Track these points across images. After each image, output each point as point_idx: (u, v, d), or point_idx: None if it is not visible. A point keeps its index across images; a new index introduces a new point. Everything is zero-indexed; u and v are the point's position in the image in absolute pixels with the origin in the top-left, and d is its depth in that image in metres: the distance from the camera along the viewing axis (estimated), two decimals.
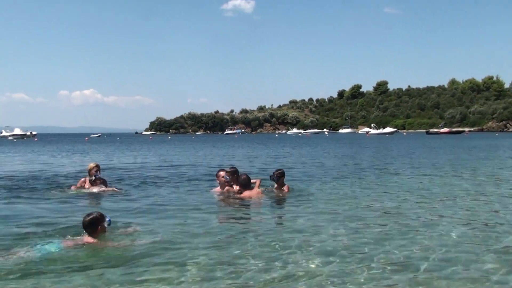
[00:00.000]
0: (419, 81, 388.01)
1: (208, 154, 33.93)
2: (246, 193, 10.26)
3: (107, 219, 6.42)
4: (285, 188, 11.06)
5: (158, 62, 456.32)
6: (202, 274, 5.14)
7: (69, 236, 6.46)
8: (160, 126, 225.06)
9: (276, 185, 11.15)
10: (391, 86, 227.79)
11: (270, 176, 11.18)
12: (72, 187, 11.74)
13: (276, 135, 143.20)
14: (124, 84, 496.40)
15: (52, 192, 11.63)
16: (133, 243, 6.31)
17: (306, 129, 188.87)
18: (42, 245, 5.96)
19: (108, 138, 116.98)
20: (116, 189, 11.82)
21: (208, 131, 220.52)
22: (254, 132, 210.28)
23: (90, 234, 6.23)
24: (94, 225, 6.26)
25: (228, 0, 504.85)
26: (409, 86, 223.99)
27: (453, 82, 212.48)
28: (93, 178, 11.54)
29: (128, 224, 7.47)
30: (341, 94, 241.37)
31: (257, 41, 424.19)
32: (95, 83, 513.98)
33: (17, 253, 5.69)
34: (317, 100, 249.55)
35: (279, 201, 10.38)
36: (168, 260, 5.65)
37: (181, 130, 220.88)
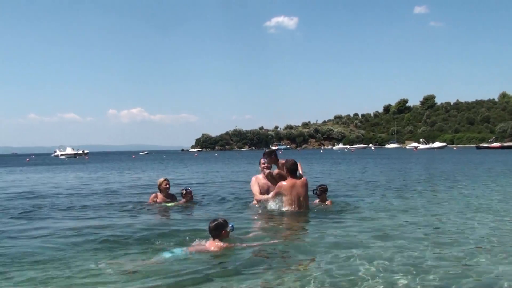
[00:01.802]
0: (468, 95, 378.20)
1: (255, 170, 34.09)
2: (289, 182, 9.55)
3: (230, 225, 6.80)
4: (328, 202, 11.10)
5: (203, 80, 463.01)
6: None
7: (192, 243, 6.86)
8: (206, 143, 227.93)
9: (318, 200, 11.20)
10: (439, 100, 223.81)
11: (313, 191, 11.20)
12: (149, 200, 11.99)
13: (321, 151, 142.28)
14: (170, 102, 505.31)
15: (135, 207, 11.82)
16: (251, 246, 6.75)
17: (352, 144, 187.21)
18: (170, 251, 6.40)
19: (156, 155, 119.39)
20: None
21: (253, 148, 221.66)
22: (299, 148, 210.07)
23: (214, 238, 6.61)
24: (219, 229, 6.63)
25: (271, 17, 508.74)
26: (457, 100, 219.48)
27: (503, 95, 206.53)
28: (167, 191, 11.88)
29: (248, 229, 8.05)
30: (387, 109, 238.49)
31: (300, 57, 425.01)
32: (142, 102, 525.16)
33: (149, 260, 6.13)
34: (363, 115, 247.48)
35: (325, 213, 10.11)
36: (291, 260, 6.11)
37: (227, 146, 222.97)
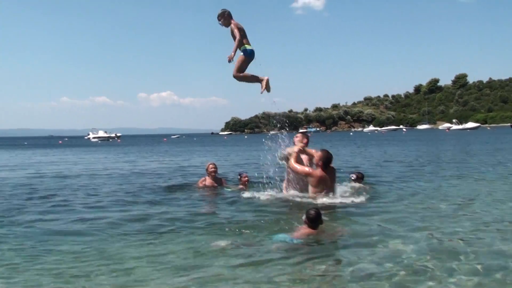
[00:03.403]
0: (501, 73, 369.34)
1: None
2: (319, 174, 9.43)
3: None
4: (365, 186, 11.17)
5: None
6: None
7: (293, 228, 7.02)
8: (235, 126, 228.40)
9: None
10: (471, 79, 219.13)
11: (350, 176, 11.43)
12: (199, 184, 12.12)
13: (351, 133, 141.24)
14: (200, 86, 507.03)
15: (187, 191, 11.82)
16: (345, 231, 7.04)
17: (383, 126, 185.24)
18: (274, 236, 6.60)
19: (188, 139, 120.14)
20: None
21: (282, 130, 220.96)
22: (328, 131, 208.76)
23: (313, 227, 6.71)
24: (320, 219, 6.74)
25: None
26: (490, 78, 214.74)
27: None
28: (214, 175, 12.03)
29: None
30: (417, 89, 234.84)
31: (328, 38, 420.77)
32: (172, 85, 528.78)
33: (251, 244, 6.38)
34: (393, 96, 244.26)
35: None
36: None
37: (256, 129, 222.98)
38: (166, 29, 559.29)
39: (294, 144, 10.29)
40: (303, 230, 6.68)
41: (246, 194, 10.44)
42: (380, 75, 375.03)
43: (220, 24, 9.80)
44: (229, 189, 11.61)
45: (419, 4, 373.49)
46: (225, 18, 9.73)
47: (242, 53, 9.60)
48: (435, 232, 6.78)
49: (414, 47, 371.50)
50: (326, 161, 9.43)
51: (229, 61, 9.38)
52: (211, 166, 12.19)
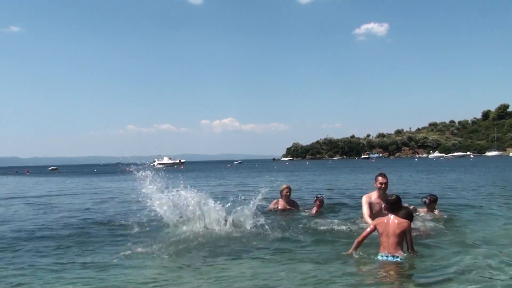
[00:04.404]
0: None
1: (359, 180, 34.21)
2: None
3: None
4: (436, 212, 10.88)
5: (293, 88, 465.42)
6: None
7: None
8: (297, 152, 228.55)
9: (426, 210, 10.91)
10: None
11: (422, 199, 11.08)
12: (266, 210, 12.04)
13: (416, 159, 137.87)
14: (261, 112, 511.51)
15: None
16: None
17: (449, 153, 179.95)
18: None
19: (249, 164, 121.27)
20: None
21: (344, 156, 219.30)
22: (392, 157, 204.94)
23: (395, 212, 7.01)
24: (399, 203, 7.13)
25: (360, 24, 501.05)
26: None
27: None
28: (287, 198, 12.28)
29: None
30: (486, 114, 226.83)
31: (392, 63, 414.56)
32: (234, 111, 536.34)
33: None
34: (459, 122, 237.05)
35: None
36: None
37: (317, 155, 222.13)
38: (226, 57, 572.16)
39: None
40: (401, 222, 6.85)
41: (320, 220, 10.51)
42: (446, 101, 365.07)
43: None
44: (305, 213, 11.69)
45: (486, 29, 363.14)
46: None
47: None
48: None
49: (482, 71, 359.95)
50: (389, 201, 7.34)
51: None
52: (286, 189, 12.29)
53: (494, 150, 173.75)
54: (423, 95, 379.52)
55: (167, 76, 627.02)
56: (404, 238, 6.79)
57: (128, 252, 7.74)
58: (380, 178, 9.62)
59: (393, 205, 7.01)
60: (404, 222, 6.77)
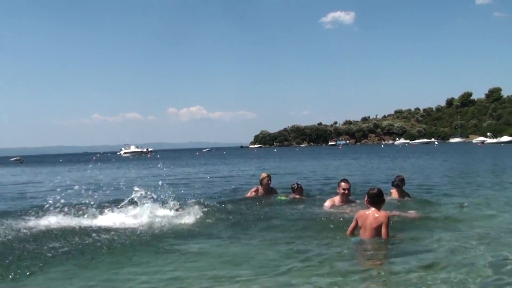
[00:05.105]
0: None
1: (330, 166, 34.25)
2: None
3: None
4: (407, 198, 11.00)
5: (260, 77, 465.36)
6: None
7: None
8: (264, 139, 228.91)
9: (394, 191, 11.06)
10: (505, 93, 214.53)
11: (392, 182, 11.21)
12: (246, 195, 12.33)
13: (382, 146, 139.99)
14: (228, 100, 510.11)
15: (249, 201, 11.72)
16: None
17: (414, 139, 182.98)
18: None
19: (217, 152, 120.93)
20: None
21: (312, 143, 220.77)
22: (358, 143, 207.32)
23: (375, 206, 6.98)
24: (380, 196, 7.04)
25: (327, 13, 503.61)
26: None
27: None
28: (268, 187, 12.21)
29: None
30: (450, 102, 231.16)
31: (358, 52, 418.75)
32: (201, 100, 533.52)
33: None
34: (424, 110, 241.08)
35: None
36: None
37: (285, 143, 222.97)
38: (192, 44, 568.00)
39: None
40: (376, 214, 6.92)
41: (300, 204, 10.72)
42: (411, 89, 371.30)
43: None
44: (283, 198, 11.62)
45: (452, 18, 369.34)
46: None
47: None
48: None
49: (446, 61, 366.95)
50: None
51: None
52: (266, 177, 12.25)
53: (458, 137, 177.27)
54: (389, 83, 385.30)
55: (132, 64, 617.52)
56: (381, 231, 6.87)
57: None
58: (343, 184, 9.92)
59: (374, 198, 6.98)
60: (382, 216, 6.87)
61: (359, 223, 7.03)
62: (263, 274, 5.66)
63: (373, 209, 6.95)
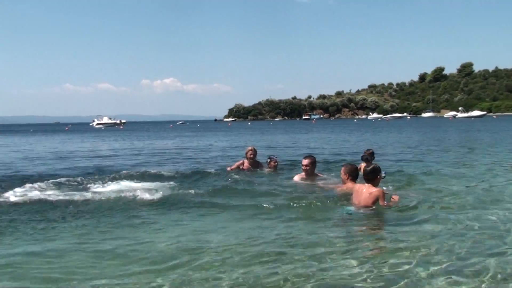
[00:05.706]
0: (507, 62, 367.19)
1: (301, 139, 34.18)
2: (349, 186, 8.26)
3: (383, 172, 7.20)
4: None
5: (234, 50, 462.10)
6: None
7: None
8: (239, 113, 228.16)
9: (363, 165, 10.92)
10: (477, 68, 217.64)
11: (362, 156, 11.21)
12: (228, 169, 12.19)
13: (355, 120, 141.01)
14: (203, 73, 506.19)
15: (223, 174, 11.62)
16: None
17: (387, 114, 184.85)
18: (344, 208, 7.11)
19: (191, 125, 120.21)
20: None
21: (286, 117, 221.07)
22: (332, 118, 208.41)
23: (369, 182, 7.00)
24: (375, 174, 6.99)
25: None
26: (496, 67, 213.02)
27: None
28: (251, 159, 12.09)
29: None
30: (422, 77, 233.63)
31: (333, 26, 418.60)
32: (175, 72, 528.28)
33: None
34: (397, 84, 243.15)
35: None
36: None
37: (259, 116, 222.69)
38: (167, 16, 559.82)
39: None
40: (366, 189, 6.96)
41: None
42: (385, 63, 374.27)
43: None
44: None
45: None
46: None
47: None
48: None
49: (419, 36, 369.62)
50: (351, 171, 8.58)
51: None
52: (250, 151, 12.18)
53: (430, 112, 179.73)
54: (363, 58, 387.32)
55: (105, 32, 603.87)
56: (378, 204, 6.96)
57: None
58: (304, 161, 10.14)
59: (368, 175, 6.99)
60: (375, 191, 6.91)
61: (353, 197, 7.18)
62: (241, 243, 5.60)
63: (366, 186, 7.00)
